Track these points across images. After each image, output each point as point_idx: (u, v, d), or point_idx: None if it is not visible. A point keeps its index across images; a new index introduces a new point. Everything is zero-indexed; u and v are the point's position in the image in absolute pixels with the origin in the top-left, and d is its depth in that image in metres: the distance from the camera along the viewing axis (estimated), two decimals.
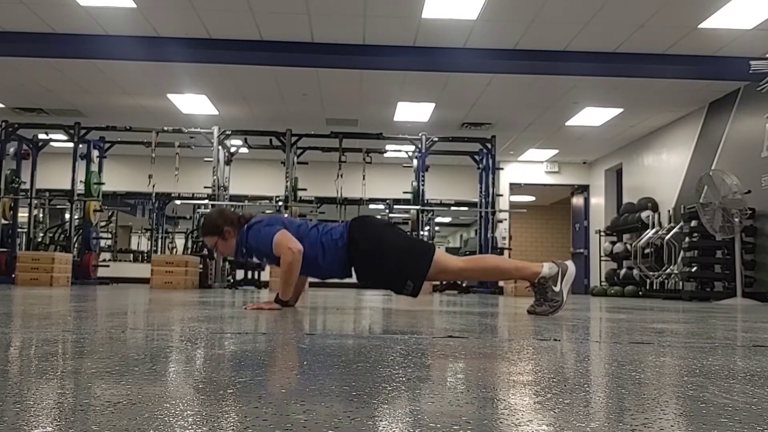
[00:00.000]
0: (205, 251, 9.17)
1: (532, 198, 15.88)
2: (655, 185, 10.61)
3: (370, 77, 8.25)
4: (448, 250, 19.10)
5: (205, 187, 9.60)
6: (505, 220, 11.80)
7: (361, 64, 7.58)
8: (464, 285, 9.65)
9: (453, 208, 12.94)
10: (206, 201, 9.81)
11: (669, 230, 9.49)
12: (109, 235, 14.33)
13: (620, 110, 9.56)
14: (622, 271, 10.91)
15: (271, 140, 9.49)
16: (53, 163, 11.44)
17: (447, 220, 20.57)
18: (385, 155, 10.88)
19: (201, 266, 8.81)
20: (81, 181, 9.44)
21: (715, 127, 8.95)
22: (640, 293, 10.12)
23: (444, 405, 0.80)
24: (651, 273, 9.80)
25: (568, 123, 10.29)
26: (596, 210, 13.23)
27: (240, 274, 9.85)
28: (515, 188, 13.49)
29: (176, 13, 6.53)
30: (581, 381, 1.06)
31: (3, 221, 9.23)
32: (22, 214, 10.15)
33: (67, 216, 10.05)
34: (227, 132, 9.59)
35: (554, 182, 13.59)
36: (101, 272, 10.11)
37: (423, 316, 2.96)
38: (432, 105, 9.45)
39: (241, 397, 0.82)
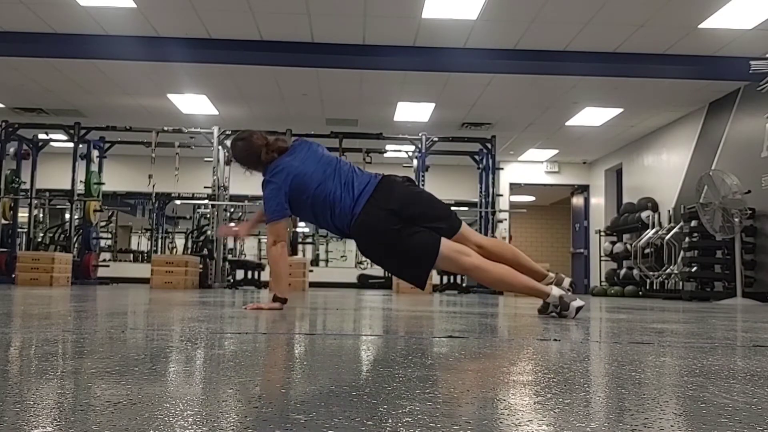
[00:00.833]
0: (205, 251, 9.18)
1: (532, 198, 15.88)
2: (655, 185, 10.61)
3: (370, 77, 8.25)
4: None
5: (205, 187, 9.60)
6: (505, 220, 11.80)
7: (361, 64, 7.57)
8: (464, 285, 9.65)
9: (453, 208, 12.87)
10: (206, 201, 9.81)
11: (669, 230, 9.49)
12: (109, 235, 14.33)
13: (620, 110, 9.56)
14: (622, 271, 10.91)
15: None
16: (53, 163, 11.44)
17: None
18: (385, 155, 10.88)
19: (201, 266, 8.81)
20: (81, 181, 9.44)
21: (715, 127, 8.95)
22: (640, 293, 10.12)
23: (444, 405, 0.80)
24: (651, 273, 9.80)
25: (568, 123, 10.29)
26: (596, 210, 13.23)
27: (240, 274, 9.85)
28: (515, 188, 13.50)
29: (176, 13, 6.53)
30: (581, 381, 1.06)
31: (3, 221, 9.23)
32: (22, 214, 10.15)
33: (67, 216, 10.05)
34: (227, 132, 9.59)
35: (554, 182, 13.59)
36: (101, 272, 10.11)
37: (423, 316, 2.96)
38: (432, 105, 9.45)
39: (241, 397, 0.82)
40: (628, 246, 10.71)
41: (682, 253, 8.98)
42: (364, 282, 12.09)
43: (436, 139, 9.82)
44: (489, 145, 9.94)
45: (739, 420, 0.74)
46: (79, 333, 1.66)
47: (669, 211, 10.03)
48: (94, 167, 9.78)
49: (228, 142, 9.72)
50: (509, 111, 9.71)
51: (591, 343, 1.78)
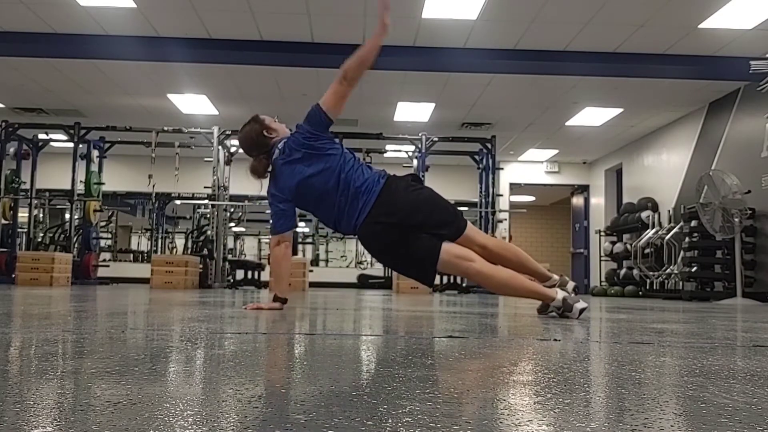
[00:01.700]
0: (205, 251, 9.18)
1: (532, 198, 15.88)
2: (655, 185, 10.61)
3: (370, 77, 8.22)
4: None
5: (205, 187, 9.60)
6: (505, 220, 11.80)
7: None
8: (464, 285, 9.65)
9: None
10: (206, 201, 9.81)
11: (669, 230, 9.49)
12: (109, 235, 14.33)
13: (620, 110, 9.56)
14: (622, 271, 10.91)
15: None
16: (53, 163, 11.44)
17: None
18: (385, 155, 10.88)
19: (201, 266, 8.81)
20: (81, 181, 9.44)
21: (715, 127, 8.95)
22: (640, 293, 10.11)
23: (444, 405, 0.80)
24: (651, 273, 9.80)
25: (568, 123, 10.29)
26: (596, 210, 13.23)
27: (240, 274, 9.85)
28: (515, 188, 13.49)
29: (176, 13, 6.53)
30: (581, 381, 1.06)
31: (3, 221, 9.23)
32: (22, 214, 10.15)
33: (67, 216, 10.05)
34: (227, 132, 9.59)
35: (554, 182, 13.59)
36: (101, 272, 10.11)
37: (423, 316, 2.96)
38: (432, 105, 9.45)
39: (241, 397, 0.82)
40: (628, 246, 10.71)
41: (682, 253, 8.98)
42: (364, 282, 12.09)
43: (436, 139, 9.82)
44: (489, 145, 9.94)
45: (739, 420, 0.74)
46: (79, 333, 1.66)
47: (669, 211, 10.03)
48: (94, 167, 9.78)
49: (228, 142, 9.73)
50: (509, 111, 9.71)
51: (591, 343, 1.78)
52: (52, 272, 7.81)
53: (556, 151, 12.54)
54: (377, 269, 11.87)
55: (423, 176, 9.61)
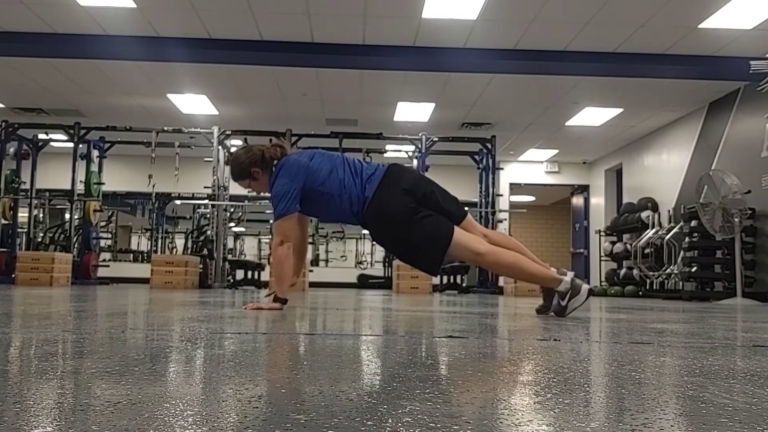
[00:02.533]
0: (205, 251, 9.18)
1: (532, 198, 15.88)
2: (655, 185, 10.61)
3: (370, 77, 8.25)
4: None
5: (205, 187, 9.60)
6: (505, 220, 11.80)
7: (361, 64, 7.57)
8: (464, 285, 9.65)
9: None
10: (206, 201, 9.81)
11: (669, 230, 9.49)
12: (109, 235, 14.33)
13: (620, 110, 9.56)
14: (622, 271, 10.91)
15: (271, 140, 9.35)
16: (53, 163, 11.44)
17: None
18: (385, 155, 10.87)
19: (201, 266, 8.81)
20: (81, 181, 9.44)
21: (715, 127, 8.95)
22: (640, 293, 10.12)
23: (444, 405, 0.80)
24: (651, 273, 9.80)
25: (568, 123, 10.29)
26: (596, 210, 13.23)
27: (240, 274, 9.85)
28: (515, 188, 13.50)
29: (176, 13, 6.53)
30: (581, 381, 1.06)
31: (3, 221, 9.23)
32: (22, 214, 10.15)
33: (67, 216, 10.05)
34: (227, 132, 9.59)
35: (554, 182, 13.59)
36: (101, 272, 10.11)
37: (423, 316, 2.96)
38: (432, 105, 9.45)
39: (241, 397, 0.82)
40: (628, 246, 10.71)
41: (682, 253, 8.98)
42: (364, 282, 12.10)
43: (436, 139, 9.82)
44: (489, 145, 9.94)
45: (739, 420, 0.74)
46: (79, 333, 1.66)
47: (669, 211, 10.03)
48: (94, 167, 9.78)
49: (228, 142, 9.73)
50: (509, 111, 9.71)
51: (591, 343, 1.78)
52: (52, 272, 7.81)
53: (556, 151, 12.54)
54: (377, 269, 11.87)
55: None
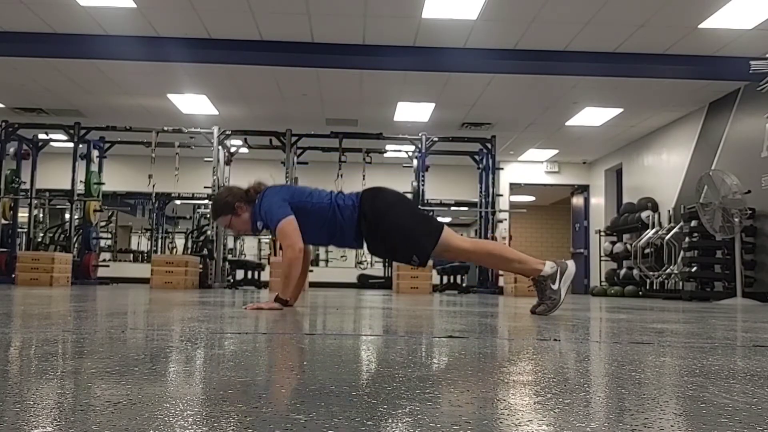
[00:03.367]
0: (205, 251, 9.18)
1: (532, 198, 15.88)
2: (655, 185, 10.61)
3: (370, 77, 8.25)
4: None
5: (205, 187, 9.60)
6: (505, 220, 11.80)
7: (361, 64, 7.57)
8: (464, 285, 9.65)
9: (453, 208, 12.92)
10: (206, 201, 9.81)
11: (669, 230, 9.49)
12: (109, 235, 14.33)
13: (620, 110, 9.56)
14: (622, 271, 10.91)
15: (271, 140, 9.49)
16: (53, 163, 11.44)
17: (447, 220, 20.58)
18: (385, 155, 10.88)
19: (201, 266, 8.81)
20: (81, 181, 9.44)
21: (715, 127, 8.95)
22: (640, 293, 10.11)
23: (444, 405, 0.80)
24: (651, 273, 9.80)
25: (568, 123, 10.29)
26: (596, 210, 13.23)
27: (240, 274, 9.85)
28: (515, 188, 13.49)
29: (176, 13, 6.53)
30: (581, 381, 1.06)
31: (3, 221, 9.23)
32: (22, 214, 10.15)
33: (67, 216, 10.05)
34: (227, 132, 9.59)
35: (554, 182, 13.59)
36: (101, 272, 10.11)
37: (423, 316, 2.96)
38: (432, 105, 9.45)
39: (241, 397, 0.82)
40: (628, 246, 10.71)
41: (682, 253, 8.98)
42: (364, 282, 12.10)
43: (436, 139, 9.82)
44: (489, 145, 9.94)
45: (739, 420, 0.74)
46: (79, 333, 1.66)
47: (669, 211, 10.03)
48: (94, 167, 9.78)
49: (228, 142, 9.73)
50: (509, 111, 9.71)
51: (591, 343, 1.78)
52: (52, 272, 7.81)
53: (556, 151, 12.54)
54: (377, 269, 11.87)
55: (423, 176, 9.63)
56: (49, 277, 7.76)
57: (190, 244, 12.03)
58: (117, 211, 14.38)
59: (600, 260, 12.15)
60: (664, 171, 10.38)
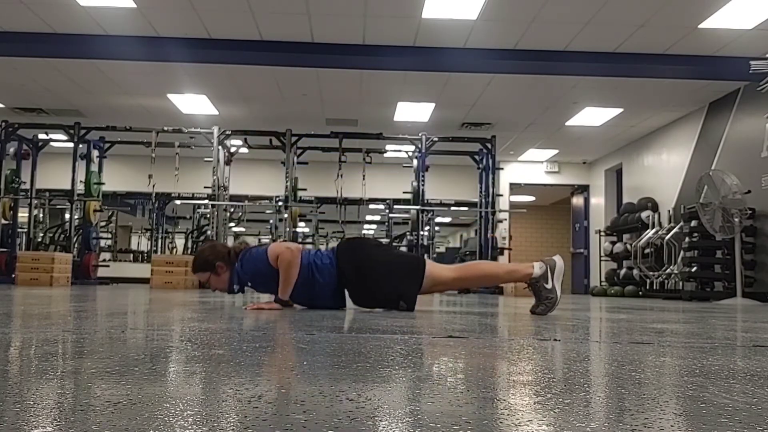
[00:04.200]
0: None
1: (532, 198, 15.87)
2: (655, 185, 10.61)
3: (370, 77, 8.25)
4: (448, 249, 19.09)
5: (205, 187, 9.60)
6: (505, 220, 11.80)
7: (361, 64, 7.57)
8: None
9: (453, 208, 12.95)
10: (206, 201, 9.80)
11: (669, 230, 9.49)
12: (109, 235, 14.33)
13: (620, 110, 9.56)
14: (622, 271, 10.91)
15: (271, 140, 9.48)
16: (53, 163, 11.44)
17: (447, 220, 20.58)
18: (385, 155, 10.88)
19: None
20: (81, 181, 9.44)
21: (715, 127, 8.95)
22: (640, 293, 10.11)
23: (444, 405, 0.80)
24: (651, 273, 9.80)
25: (568, 123, 10.29)
26: (596, 210, 13.23)
27: None
28: (515, 188, 13.49)
29: (176, 13, 6.53)
30: (581, 381, 1.06)
31: (3, 221, 9.23)
32: (22, 214, 10.16)
33: (67, 216, 10.05)
34: (227, 132, 9.58)
35: (554, 182, 13.59)
36: (101, 272, 10.11)
37: (423, 316, 2.96)
38: (432, 105, 9.45)
39: (241, 397, 0.82)
40: (628, 246, 10.71)
41: (682, 253, 8.98)
42: None
43: (436, 139, 9.82)
44: (489, 145, 9.94)
45: (739, 420, 0.74)
46: (79, 333, 1.66)
47: (669, 211, 10.03)
48: (94, 167, 9.77)
49: (228, 142, 9.73)
50: (509, 111, 9.71)
51: (591, 343, 1.78)
52: (52, 272, 7.81)
53: (556, 151, 12.54)
54: None
55: (423, 176, 9.63)
56: (49, 277, 7.76)
57: (190, 244, 12.03)
58: (117, 211, 14.39)
59: (600, 260, 12.15)
60: (664, 171, 10.38)
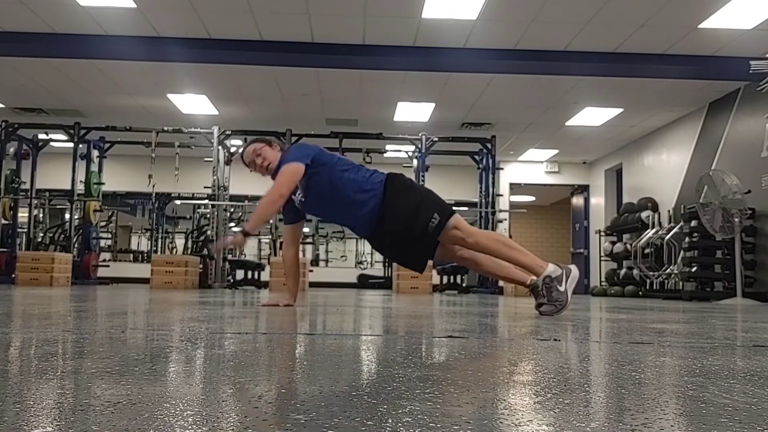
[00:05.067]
0: (206, 251, 9.17)
1: (532, 198, 15.87)
2: (655, 185, 10.61)
3: (370, 77, 8.25)
4: None
5: (205, 187, 9.60)
6: (505, 220, 11.79)
7: (361, 64, 7.57)
8: (464, 285, 9.65)
9: (453, 208, 12.94)
10: (206, 201, 9.81)
11: (669, 230, 9.49)
12: (109, 235, 14.33)
13: (620, 110, 9.56)
14: (622, 271, 10.91)
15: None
16: (53, 163, 11.43)
17: None
18: (385, 155, 10.88)
19: (201, 266, 8.80)
20: (81, 181, 9.44)
21: (715, 127, 8.95)
22: (640, 293, 10.11)
23: (444, 405, 0.80)
24: (651, 273, 9.80)
25: (568, 123, 10.29)
26: (596, 210, 13.23)
27: (240, 274, 9.85)
28: (515, 188, 13.49)
29: (176, 13, 6.53)
30: (581, 381, 1.06)
31: (3, 221, 9.23)
32: (22, 214, 10.15)
33: (67, 216, 10.05)
34: (227, 132, 9.58)
35: (554, 182, 13.59)
36: (101, 272, 10.11)
37: (423, 316, 2.96)
38: (432, 105, 9.45)
39: (241, 397, 0.82)
40: (628, 246, 10.71)
41: (682, 253, 8.98)
42: (364, 282, 12.10)
43: (436, 139, 9.82)
44: (489, 145, 9.94)
45: (739, 420, 0.74)
46: (79, 333, 1.66)
47: (669, 211, 10.03)
48: (94, 167, 9.78)
49: (228, 142, 9.73)
50: (509, 111, 9.71)
51: (591, 343, 1.78)
52: (52, 272, 7.81)
53: (556, 151, 12.54)
54: (377, 269, 11.87)
55: (423, 176, 9.63)
56: (49, 277, 7.76)
57: (190, 244, 12.02)
58: (117, 211, 14.38)
59: (600, 260, 12.15)
60: (664, 171, 10.38)
